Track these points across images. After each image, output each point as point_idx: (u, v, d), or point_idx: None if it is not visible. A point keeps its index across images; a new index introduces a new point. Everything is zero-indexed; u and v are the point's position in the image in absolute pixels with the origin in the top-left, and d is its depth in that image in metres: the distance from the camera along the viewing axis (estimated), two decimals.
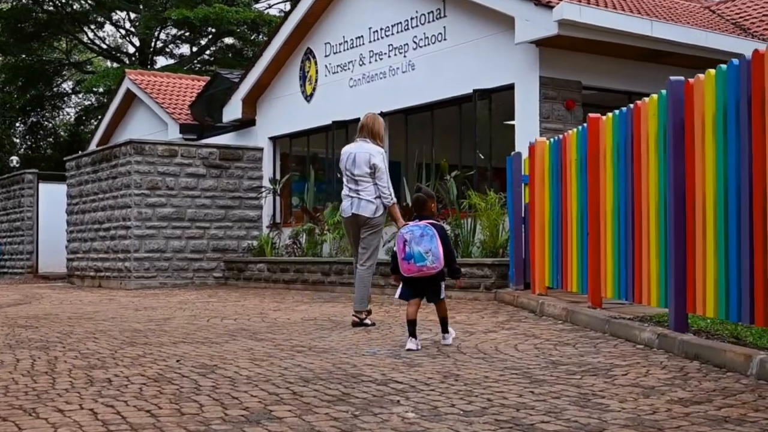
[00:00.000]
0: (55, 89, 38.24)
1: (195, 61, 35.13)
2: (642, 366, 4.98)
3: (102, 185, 16.13)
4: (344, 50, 15.09)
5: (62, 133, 39.16)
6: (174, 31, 34.91)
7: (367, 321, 7.50)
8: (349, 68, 14.95)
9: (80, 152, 18.77)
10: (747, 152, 4.89)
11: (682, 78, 5.82)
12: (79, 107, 39.82)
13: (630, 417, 3.66)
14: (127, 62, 35.28)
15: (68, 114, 40.79)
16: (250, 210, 16.23)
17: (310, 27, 15.78)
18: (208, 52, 35.55)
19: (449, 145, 13.35)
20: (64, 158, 18.70)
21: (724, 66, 5.23)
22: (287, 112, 16.32)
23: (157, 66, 35.25)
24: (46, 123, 39.13)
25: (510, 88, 11.92)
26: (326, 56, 15.50)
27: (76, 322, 8.25)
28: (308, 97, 15.90)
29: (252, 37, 33.35)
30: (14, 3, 32.54)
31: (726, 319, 5.29)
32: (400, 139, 14.12)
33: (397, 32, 13.92)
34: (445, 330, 6.23)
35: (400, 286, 6.15)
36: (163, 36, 35.59)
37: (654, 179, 6.20)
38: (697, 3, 15.02)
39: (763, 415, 3.64)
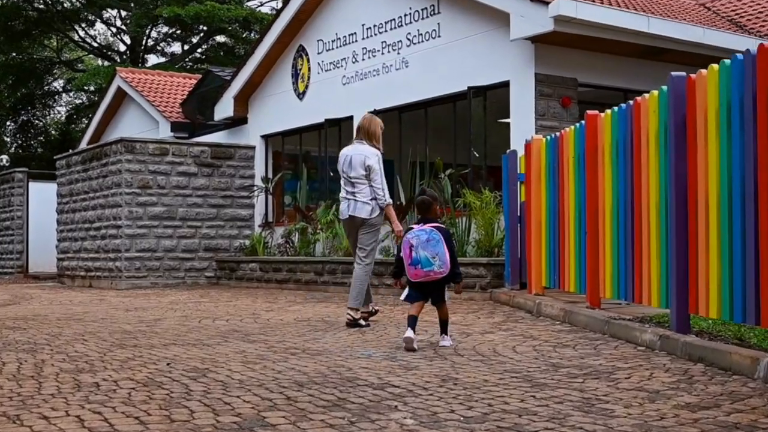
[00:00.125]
0: (45, 87, 37.99)
1: (186, 59, 34.93)
2: (645, 369, 4.86)
3: (92, 184, 15.96)
4: (337, 47, 14.94)
5: (53, 132, 38.91)
6: (165, 29, 34.69)
7: (361, 321, 7.43)
8: (342, 66, 14.82)
9: (71, 151, 18.59)
10: (752, 148, 4.78)
11: (683, 73, 5.71)
12: (70, 106, 39.59)
13: (637, 423, 3.54)
14: (118, 60, 35.07)
15: (59, 112, 40.57)
16: (242, 209, 16.09)
17: (302, 24, 15.64)
18: (199, 50, 35.34)
19: (444, 143, 13.22)
20: (55, 157, 18.51)
21: (727, 61, 5.12)
22: (279, 110, 16.17)
23: (149, 64, 35.06)
24: (36, 121, 38.85)
25: (505, 85, 11.80)
26: (319, 53, 15.35)
27: (65, 324, 8.11)
28: (301, 95, 15.75)
29: (244, 35, 33.17)
30: (5, 1, 32.26)
31: (730, 320, 5.18)
32: (393, 137, 13.96)
33: (391, 29, 13.79)
34: (444, 332, 6.18)
35: (406, 289, 6.16)
36: (154, 34, 35.38)
37: (654, 176, 6.11)
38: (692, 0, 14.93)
39: None
